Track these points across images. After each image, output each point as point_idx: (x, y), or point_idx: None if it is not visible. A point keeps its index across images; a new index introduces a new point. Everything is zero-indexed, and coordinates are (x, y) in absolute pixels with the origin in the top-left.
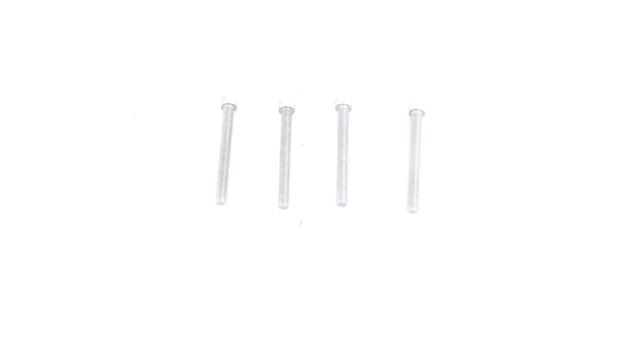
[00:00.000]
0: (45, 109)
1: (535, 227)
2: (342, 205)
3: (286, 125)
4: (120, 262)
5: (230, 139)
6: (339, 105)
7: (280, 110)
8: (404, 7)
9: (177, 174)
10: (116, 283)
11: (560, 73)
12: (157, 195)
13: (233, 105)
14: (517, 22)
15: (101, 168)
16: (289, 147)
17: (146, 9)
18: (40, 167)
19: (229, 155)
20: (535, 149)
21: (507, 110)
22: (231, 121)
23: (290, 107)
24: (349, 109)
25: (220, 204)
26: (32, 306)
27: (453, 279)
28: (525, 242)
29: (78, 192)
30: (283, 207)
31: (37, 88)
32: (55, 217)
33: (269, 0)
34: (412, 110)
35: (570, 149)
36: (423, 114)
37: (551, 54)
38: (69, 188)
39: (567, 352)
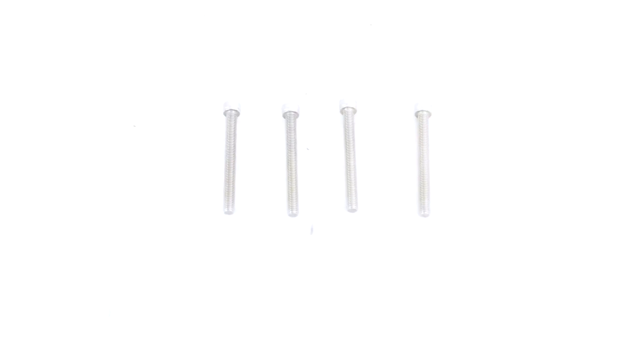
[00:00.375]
0: (46, 119)
1: (549, 229)
2: (353, 211)
3: (291, 130)
4: (129, 278)
5: (234, 146)
6: (344, 108)
7: (284, 115)
8: (406, 7)
9: (181, 184)
10: (125, 298)
11: (569, 70)
12: (162, 207)
13: (236, 111)
14: (522, 19)
15: (103, 180)
16: (296, 153)
17: (144, 15)
18: (43, 181)
19: (234, 163)
20: (546, 147)
21: (515, 109)
22: (235, 127)
23: (295, 112)
24: (354, 111)
25: (228, 213)
26: (41, 320)
27: (467, 284)
28: (540, 244)
29: (82, 204)
30: (293, 215)
31: (37, 98)
32: (59, 227)
33: (268, 4)
34: (419, 111)
35: (583, 149)
36: (429, 114)
37: (558, 50)
38: (72, 200)
39: (576, 352)
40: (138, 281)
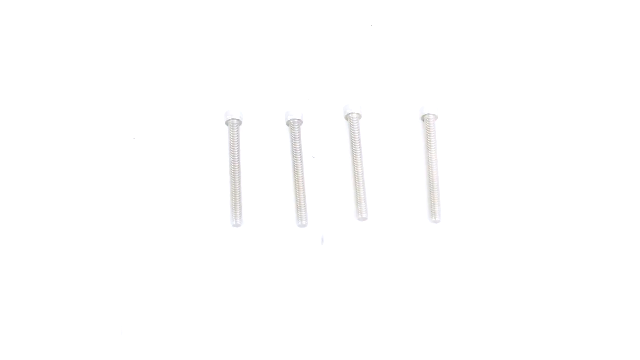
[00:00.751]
0: (47, 133)
1: (564, 232)
2: (363, 219)
3: (296, 139)
4: (140, 296)
5: (239, 156)
6: (348, 114)
7: (288, 123)
8: (407, 9)
9: (186, 198)
10: (136, 316)
11: (578, 68)
12: (167, 223)
13: (238, 120)
14: (528, 18)
15: (106, 197)
16: (302, 162)
17: (141, 23)
18: (49, 198)
19: (239, 174)
20: (557, 146)
21: (522, 109)
22: (238, 137)
23: (298, 119)
24: (359, 117)
25: (236, 226)
26: (53, 340)
27: (482, 291)
28: (555, 248)
29: (89, 222)
30: (302, 226)
31: (36, 112)
32: (63, 245)
33: (266, 11)
34: (425, 115)
35: (597, 150)
36: (436, 117)
37: (565, 48)
38: (78, 218)
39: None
40: (149, 299)
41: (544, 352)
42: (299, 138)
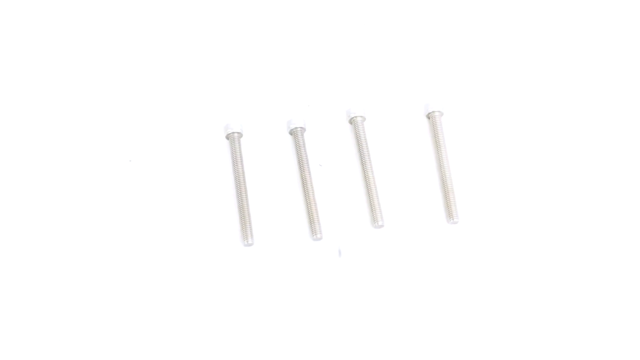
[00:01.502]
0: (47, 155)
1: (584, 229)
2: (380, 227)
3: (301, 148)
4: (154, 326)
5: (243, 171)
6: (353, 117)
7: (291, 132)
8: (405, 4)
9: (192, 221)
10: (150, 345)
11: (586, 62)
12: (177, 249)
13: (239, 133)
14: (532, 12)
15: (107, 223)
16: (309, 171)
17: (135, 37)
18: (61, 220)
19: (245, 190)
20: (568, 142)
21: (529, 101)
22: (240, 151)
23: (301, 127)
24: (363, 119)
25: (248, 245)
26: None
27: (509, 295)
28: (578, 247)
29: (97, 247)
30: (317, 239)
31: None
32: (73, 271)
33: (262, 18)
34: (430, 112)
35: (608, 145)
36: (442, 114)
37: (572, 42)
38: (88, 243)
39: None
40: (165, 330)
41: (568, 354)
42: (304, 146)
